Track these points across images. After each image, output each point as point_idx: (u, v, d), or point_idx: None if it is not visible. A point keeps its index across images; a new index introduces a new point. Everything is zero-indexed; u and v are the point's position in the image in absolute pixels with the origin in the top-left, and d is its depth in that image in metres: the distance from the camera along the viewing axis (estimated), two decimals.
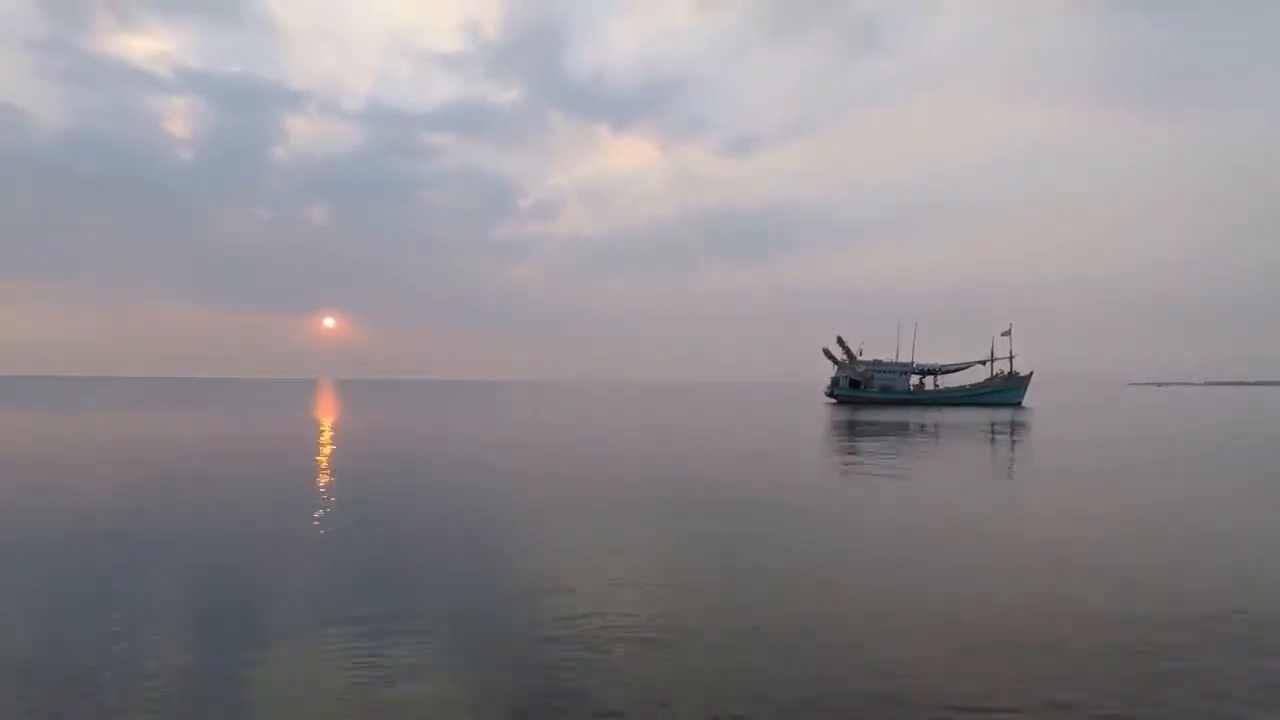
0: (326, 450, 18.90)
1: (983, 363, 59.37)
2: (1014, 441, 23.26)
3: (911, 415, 39.81)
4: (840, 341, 61.10)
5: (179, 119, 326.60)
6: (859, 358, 60.60)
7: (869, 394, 59.14)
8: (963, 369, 60.13)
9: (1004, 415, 40.64)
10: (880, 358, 60.97)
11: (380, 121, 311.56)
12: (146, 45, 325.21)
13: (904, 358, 61.14)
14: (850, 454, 18.94)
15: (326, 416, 35.60)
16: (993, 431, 27.39)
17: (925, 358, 61.26)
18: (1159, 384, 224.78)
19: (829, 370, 61.83)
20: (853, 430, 27.85)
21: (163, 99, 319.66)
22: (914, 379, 60.51)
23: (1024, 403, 57.48)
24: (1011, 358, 58.83)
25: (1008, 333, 59.05)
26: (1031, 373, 58.19)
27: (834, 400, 60.02)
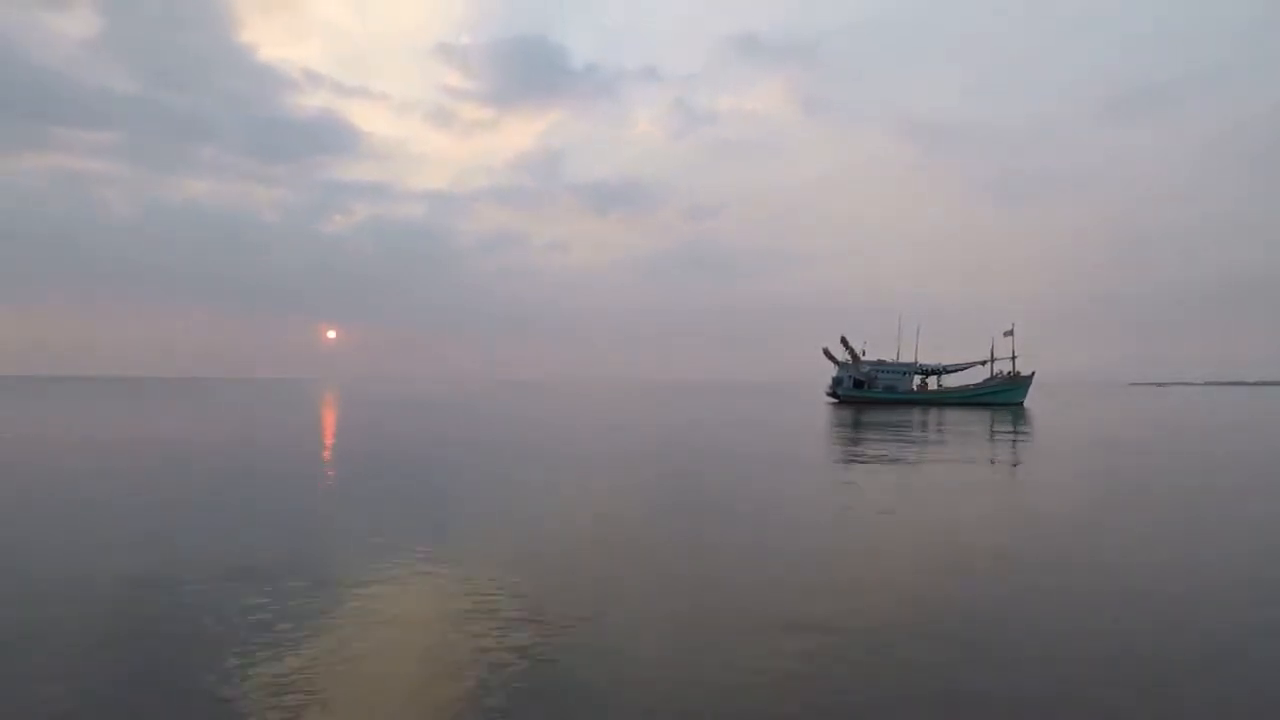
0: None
1: (982, 363, 59.58)
2: (1014, 440, 24.26)
3: (916, 415, 40.68)
4: (844, 342, 61.00)
5: (272, 205, 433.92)
6: (862, 358, 60.75)
7: (873, 394, 59.22)
8: (964, 369, 60.43)
9: (1006, 414, 41.47)
10: (883, 358, 61.11)
11: (431, 197, 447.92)
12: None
13: (904, 358, 61.25)
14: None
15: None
16: (993, 430, 28.40)
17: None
18: (1159, 384, 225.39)
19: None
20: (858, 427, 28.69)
21: (264, 190, 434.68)
22: (916, 379, 60.73)
23: (1025, 403, 57.57)
24: (1014, 358, 58.77)
25: (1010, 333, 58.81)
26: (1033, 373, 58.42)
27: (836, 400, 59.71)
